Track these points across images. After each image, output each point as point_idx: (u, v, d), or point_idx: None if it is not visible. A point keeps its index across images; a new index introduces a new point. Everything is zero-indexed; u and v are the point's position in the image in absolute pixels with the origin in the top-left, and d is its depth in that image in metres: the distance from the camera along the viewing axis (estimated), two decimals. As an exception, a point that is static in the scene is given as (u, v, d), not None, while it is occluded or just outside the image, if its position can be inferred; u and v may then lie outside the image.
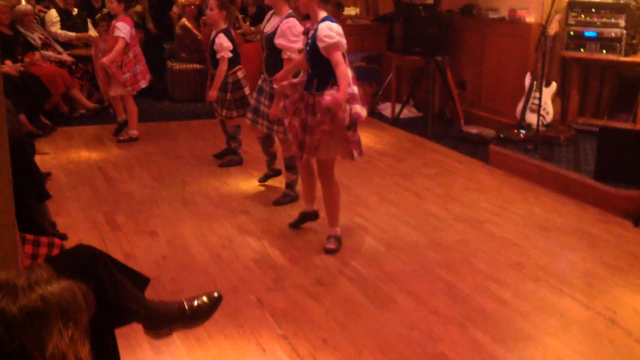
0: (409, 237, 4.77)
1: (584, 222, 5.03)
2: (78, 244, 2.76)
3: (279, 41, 4.98)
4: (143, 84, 7.25)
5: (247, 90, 6.15)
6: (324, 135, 4.23)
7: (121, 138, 7.23)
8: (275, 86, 4.62)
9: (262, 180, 5.89)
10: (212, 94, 6.12)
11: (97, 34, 9.01)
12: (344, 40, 4.17)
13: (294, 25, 4.96)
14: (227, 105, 6.15)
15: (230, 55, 6.05)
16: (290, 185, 5.45)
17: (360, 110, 4.18)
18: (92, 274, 2.41)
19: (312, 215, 4.94)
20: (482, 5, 7.84)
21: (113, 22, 7.10)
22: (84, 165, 6.41)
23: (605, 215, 5.14)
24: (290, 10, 5.10)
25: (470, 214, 5.20)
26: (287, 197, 5.43)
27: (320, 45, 4.12)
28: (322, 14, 4.25)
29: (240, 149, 6.47)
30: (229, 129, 6.43)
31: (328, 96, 4.07)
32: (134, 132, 7.25)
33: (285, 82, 4.50)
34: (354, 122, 4.21)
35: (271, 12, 5.27)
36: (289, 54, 4.94)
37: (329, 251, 4.47)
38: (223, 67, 6.05)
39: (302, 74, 4.76)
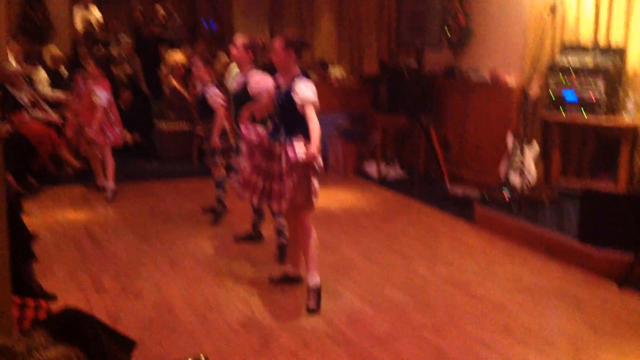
0: (396, 298, 4.77)
1: (569, 284, 5.06)
2: (65, 307, 2.76)
3: (253, 91, 5.19)
4: (122, 140, 7.63)
5: (232, 142, 6.31)
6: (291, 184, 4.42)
7: (109, 197, 7.25)
8: (241, 125, 4.76)
9: (241, 238, 5.96)
10: (215, 139, 6.25)
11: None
12: (317, 100, 4.47)
13: (263, 78, 5.19)
14: (211, 152, 6.41)
15: (224, 104, 6.24)
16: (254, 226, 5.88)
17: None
18: (78, 337, 2.42)
19: (293, 279, 5.00)
20: (464, 68, 8.02)
21: (90, 83, 7.24)
22: (70, 225, 6.40)
23: (590, 277, 5.18)
24: (252, 67, 5.51)
25: (457, 275, 5.23)
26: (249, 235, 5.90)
27: (298, 101, 4.41)
28: (297, 70, 4.54)
29: (226, 198, 6.59)
30: (215, 176, 6.56)
31: (301, 152, 4.34)
32: (112, 185, 7.30)
33: (250, 128, 4.66)
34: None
35: (236, 71, 5.62)
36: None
37: (311, 311, 4.49)
38: (220, 114, 6.24)
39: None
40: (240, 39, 5.61)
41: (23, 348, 1.28)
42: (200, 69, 6.37)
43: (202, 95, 6.33)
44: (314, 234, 4.64)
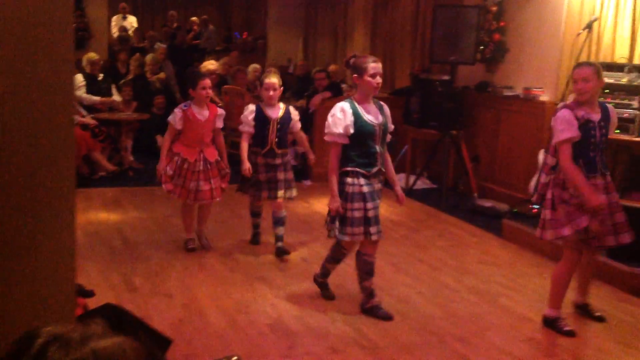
0: (423, 308, 4.80)
1: (597, 299, 5.03)
2: (105, 303, 2.83)
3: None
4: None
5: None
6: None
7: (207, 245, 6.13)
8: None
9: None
10: (312, 156, 6.02)
11: (120, 99, 9.27)
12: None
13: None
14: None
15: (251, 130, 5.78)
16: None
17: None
18: (120, 332, 2.47)
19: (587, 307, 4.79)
20: (497, 83, 8.04)
21: (213, 107, 5.89)
22: (102, 226, 6.52)
23: (617, 292, 5.15)
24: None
25: (484, 287, 5.24)
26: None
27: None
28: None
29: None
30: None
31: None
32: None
33: None
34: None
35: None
36: None
37: (568, 333, 4.37)
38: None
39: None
40: None
41: (77, 336, 1.32)
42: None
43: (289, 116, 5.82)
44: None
